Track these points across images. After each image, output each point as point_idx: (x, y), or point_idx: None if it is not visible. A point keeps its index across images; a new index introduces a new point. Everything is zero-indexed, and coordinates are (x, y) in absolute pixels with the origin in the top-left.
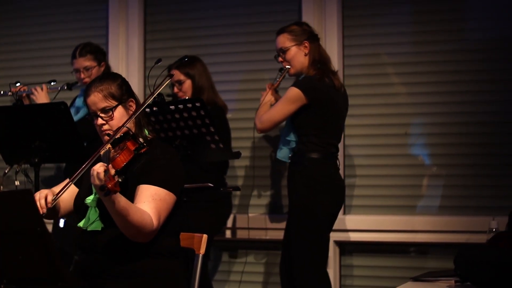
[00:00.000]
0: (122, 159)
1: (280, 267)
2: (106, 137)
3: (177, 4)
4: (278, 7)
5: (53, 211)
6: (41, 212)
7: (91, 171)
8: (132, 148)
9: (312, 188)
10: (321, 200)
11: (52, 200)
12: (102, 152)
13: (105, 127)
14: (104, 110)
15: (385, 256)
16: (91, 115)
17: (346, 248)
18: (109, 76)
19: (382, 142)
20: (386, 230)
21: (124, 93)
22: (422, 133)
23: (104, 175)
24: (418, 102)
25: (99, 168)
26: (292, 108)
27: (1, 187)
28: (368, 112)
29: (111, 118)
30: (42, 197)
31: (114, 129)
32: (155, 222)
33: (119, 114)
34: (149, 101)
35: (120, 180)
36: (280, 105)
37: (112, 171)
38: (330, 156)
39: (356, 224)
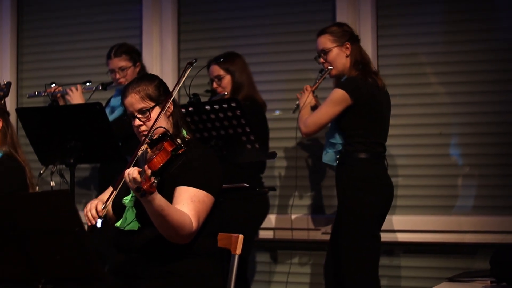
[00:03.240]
0: (159, 160)
1: (324, 268)
2: (144, 138)
3: (211, 4)
4: (312, 7)
5: (106, 222)
6: (94, 223)
7: (125, 175)
8: (170, 149)
9: (361, 189)
10: (370, 201)
11: (102, 209)
12: (139, 153)
13: (142, 128)
14: (141, 111)
15: (426, 257)
16: (129, 116)
17: (387, 248)
18: (146, 77)
19: (417, 142)
20: (426, 230)
21: (161, 94)
22: (458, 132)
23: (141, 176)
24: (453, 102)
25: (133, 172)
26: (337, 109)
27: (37, 187)
28: (403, 112)
29: (148, 119)
30: (93, 207)
31: (152, 130)
32: (194, 224)
33: (156, 115)
34: (175, 92)
35: (156, 181)
36: (325, 107)
37: (148, 172)
38: (377, 156)
39: (396, 224)
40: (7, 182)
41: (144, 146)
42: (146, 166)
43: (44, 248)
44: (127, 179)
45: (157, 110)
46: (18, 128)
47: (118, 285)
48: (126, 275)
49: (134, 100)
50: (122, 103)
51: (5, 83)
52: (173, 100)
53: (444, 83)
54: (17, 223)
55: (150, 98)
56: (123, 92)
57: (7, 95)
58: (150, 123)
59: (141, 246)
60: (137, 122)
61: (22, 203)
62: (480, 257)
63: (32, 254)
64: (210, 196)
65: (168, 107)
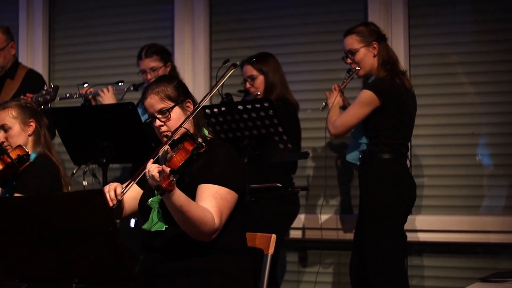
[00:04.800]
0: (179, 158)
1: (350, 267)
2: (165, 139)
3: (243, 3)
4: (343, 7)
5: (118, 209)
6: (111, 204)
7: (146, 172)
8: (190, 148)
9: (385, 189)
10: (394, 200)
11: (121, 193)
12: (160, 153)
13: (163, 128)
14: (161, 112)
15: (452, 257)
16: (150, 118)
17: (414, 248)
18: (164, 78)
19: (448, 142)
20: (453, 230)
21: (180, 94)
22: (486, 132)
23: (160, 175)
24: (483, 102)
25: (153, 169)
26: (366, 111)
27: (69, 187)
28: (435, 112)
29: (168, 119)
30: (112, 189)
31: (172, 130)
32: (217, 220)
33: (176, 115)
34: (214, 91)
35: (174, 179)
36: (353, 109)
37: (167, 170)
38: (401, 156)
39: (423, 224)
40: (41, 182)
41: (166, 147)
42: (166, 165)
43: (78, 248)
44: (147, 176)
45: (176, 110)
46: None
47: (146, 285)
48: (156, 274)
49: (154, 101)
50: (142, 105)
51: (52, 86)
52: (193, 100)
53: (474, 83)
54: (51, 223)
55: (170, 98)
56: (143, 94)
57: (54, 99)
58: (170, 123)
59: (168, 246)
60: (158, 122)
61: (56, 203)
62: (506, 257)
63: (66, 254)
64: (233, 193)
65: (188, 107)
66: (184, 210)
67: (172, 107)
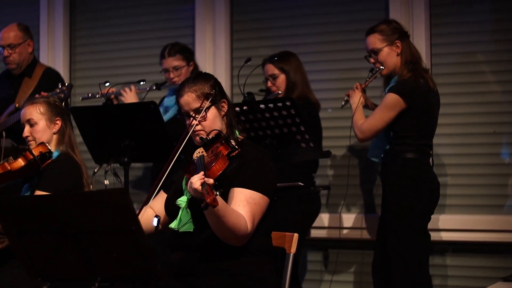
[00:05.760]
0: (218, 167)
1: (372, 266)
2: (198, 139)
3: (264, 2)
4: (364, 6)
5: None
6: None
7: (189, 183)
8: (225, 152)
9: (409, 188)
10: (418, 200)
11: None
12: (195, 157)
13: (198, 127)
14: (198, 111)
15: (475, 256)
16: (183, 115)
17: (437, 247)
18: (202, 76)
19: (470, 141)
20: (476, 229)
21: (217, 94)
22: (509, 131)
23: (202, 188)
24: (506, 101)
25: (196, 182)
26: (392, 114)
27: (91, 186)
28: (456, 111)
29: (204, 118)
30: None
31: (207, 129)
32: (249, 226)
33: (212, 115)
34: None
35: (218, 193)
36: (379, 112)
37: (210, 182)
38: (425, 156)
39: (446, 224)
40: (63, 181)
41: (200, 150)
42: (206, 177)
43: (101, 246)
44: (189, 187)
45: (212, 110)
46: (73, 127)
47: (174, 284)
48: (184, 273)
49: (191, 99)
50: (177, 101)
51: (66, 85)
52: (227, 100)
53: (496, 81)
54: (73, 222)
55: (207, 97)
56: (178, 91)
57: (68, 97)
58: (205, 123)
59: (198, 246)
60: (193, 121)
61: (79, 202)
62: None
63: (89, 253)
64: (265, 197)
65: (223, 107)
66: (221, 215)
67: (209, 107)
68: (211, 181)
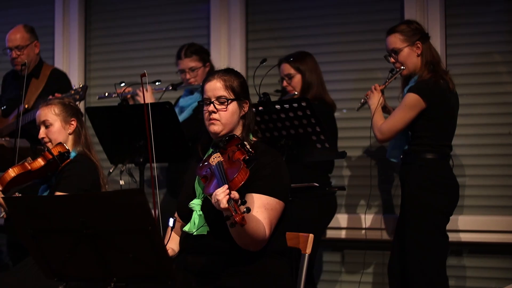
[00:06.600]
0: (240, 179)
1: (388, 267)
2: (213, 127)
3: (279, 3)
4: (380, 6)
5: None
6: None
7: (213, 197)
8: (241, 157)
9: (429, 189)
10: (437, 201)
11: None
12: (211, 161)
13: (215, 115)
14: (220, 98)
15: (492, 257)
16: (203, 101)
17: (454, 248)
18: (234, 71)
19: (487, 141)
20: (493, 230)
21: (242, 92)
22: None
23: (229, 204)
24: None
25: (222, 199)
26: (412, 114)
27: (107, 186)
28: (472, 112)
29: (224, 109)
30: None
31: (223, 120)
32: (267, 231)
33: (233, 108)
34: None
35: (246, 210)
36: (399, 113)
37: (236, 196)
38: (445, 156)
39: (463, 224)
40: (83, 181)
41: (217, 155)
42: (232, 192)
43: (117, 247)
44: (214, 201)
45: (234, 104)
46: (88, 127)
47: (192, 286)
48: (202, 276)
49: (219, 85)
50: (202, 87)
51: (80, 86)
52: (250, 104)
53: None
54: (90, 222)
55: (233, 90)
56: (207, 77)
57: (83, 99)
58: (224, 114)
59: (213, 249)
60: (211, 107)
61: (96, 203)
62: None
63: (105, 253)
64: (282, 203)
65: (244, 107)
66: (245, 228)
67: (232, 99)
68: (236, 195)
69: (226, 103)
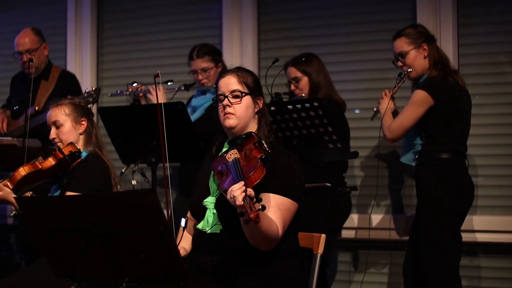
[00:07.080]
0: (256, 177)
1: (403, 267)
2: (228, 121)
3: (290, 3)
4: (391, 6)
5: None
6: None
7: (229, 193)
8: (258, 155)
9: (444, 189)
10: (452, 200)
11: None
12: (228, 158)
13: (229, 109)
14: (234, 92)
15: (502, 257)
16: (217, 98)
17: (469, 248)
18: (246, 69)
19: (497, 141)
20: (503, 230)
21: (256, 88)
22: None
23: (244, 200)
24: None
25: (238, 195)
26: (420, 111)
27: (118, 186)
28: (484, 112)
29: (238, 103)
30: None
31: (238, 114)
32: (280, 231)
33: (247, 102)
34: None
35: (261, 208)
36: (407, 110)
37: (252, 194)
38: (460, 156)
39: (478, 225)
40: (94, 181)
41: (234, 151)
42: (248, 189)
43: (129, 247)
44: (229, 197)
45: (248, 99)
46: (100, 127)
47: (206, 286)
48: (216, 276)
49: (233, 80)
50: (216, 84)
51: (93, 89)
52: (264, 100)
53: None
54: (102, 222)
55: (247, 85)
56: (221, 74)
57: (96, 101)
58: (238, 108)
59: (226, 248)
60: (226, 101)
61: (107, 203)
62: None
63: (117, 253)
64: (295, 204)
65: (258, 103)
66: (258, 226)
67: (246, 94)
68: (252, 193)
69: (240, 97)
